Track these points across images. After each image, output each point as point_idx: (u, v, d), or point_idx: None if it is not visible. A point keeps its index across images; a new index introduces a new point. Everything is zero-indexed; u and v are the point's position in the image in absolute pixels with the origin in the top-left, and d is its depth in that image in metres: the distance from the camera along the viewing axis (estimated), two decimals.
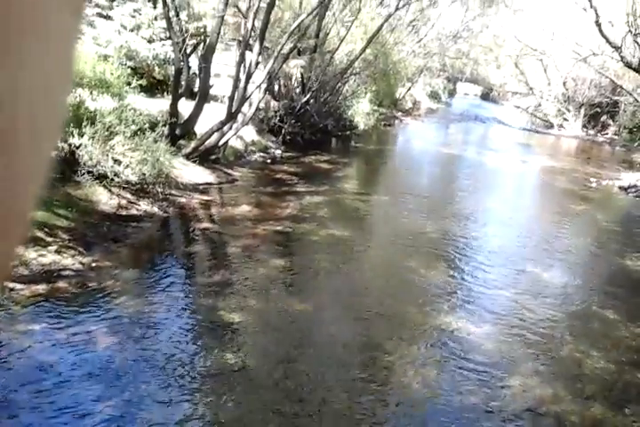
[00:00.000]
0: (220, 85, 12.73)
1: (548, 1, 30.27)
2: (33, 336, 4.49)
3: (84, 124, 7.37)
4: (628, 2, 16.67)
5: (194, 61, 11.50)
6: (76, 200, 7.09)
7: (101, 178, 7.50)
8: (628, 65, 17.96)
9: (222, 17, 10.22)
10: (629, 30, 17.13)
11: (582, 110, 28.87)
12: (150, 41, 13.35)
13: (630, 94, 22.24)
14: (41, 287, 5.22)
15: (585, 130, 28.66)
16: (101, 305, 5.17)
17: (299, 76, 15.38)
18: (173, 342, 4.76)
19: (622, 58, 17.88)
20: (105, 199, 7.52)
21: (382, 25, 17.84)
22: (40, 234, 5.96)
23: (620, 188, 14.61)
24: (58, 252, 5.87)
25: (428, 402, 4.41)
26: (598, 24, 17.40)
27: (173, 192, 8.74)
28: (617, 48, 17.71)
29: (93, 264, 5.91)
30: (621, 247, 9.30)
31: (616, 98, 26.32)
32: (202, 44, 12.25)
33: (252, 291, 5.93)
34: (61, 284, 5.38)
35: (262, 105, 13.68)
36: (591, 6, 17.32)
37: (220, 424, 3.94)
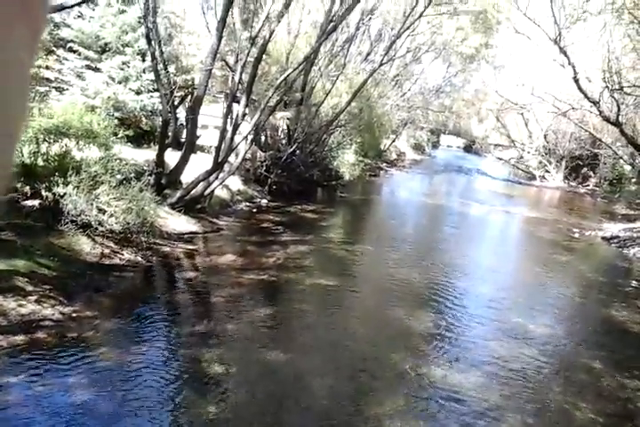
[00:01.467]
0: (207, 136, 12.89)
1: (527, 57, 31.26)
2: (8, 389, 4.37)
3: (69, 173, 7.39)
4: (604, 59, 17.27)
5: (181, 113, 11.67)
6: (59, 249, 7.03)
7: (85, 227, 7.46)
8: (607, 119, 18.45)
9: (210, 70, 10.43)
10: (606, 86, 17.67)
11: (563, 162, 29.45)
12: (138, 93, 13.58)
13: (610, 147, 22.77)
14: (19, 338, 5.10)
15: (566, 181, 29.16)
16: (80, 356, 5.05)
17: (285, 127, 15.63)
18: (152, 393, 4.64)
19: (600, 112, 18.38)
20: (88, 248, 7.46)
21: (367, 79, 18.30)
22: (20, 283, 5.87)
23: (603, 238, 14.75)
24: (38, 301, 5.77)
25: None
26: (576, 80, 17.95)
27: (158, 241, 8.69)
28: (595, 103, 18.22)
29: (74, 314, 5.80)
30: (606, 297, 9.32)
31: (596, 150, 26.92)
32: (189, 96, 12.46)
33: (234, 342, 5.83)
34: (40, 334, 5.27)
35: (249, 155, 13.84)
36: (569, 63, 17.90)
37: None
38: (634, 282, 10.68)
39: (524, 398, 5.39)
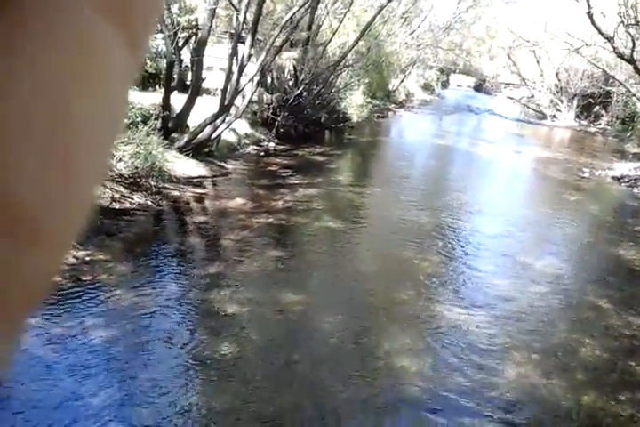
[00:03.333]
0: (213, 78, 12.70)
1: None
2: (27, 332, 4.49)
3: None
4: None
5: (186, 54, 11.46)
6: None
7: None
8: (621, 56, 17.99)
9: (214, 10, 10.18)
10: (621, 21, 17.14)
11: (575, 101, 28.93)
12: None
13: (623, 85, 22.29)
14: None
15: (578, 120, 28.73)
16: (96, 298, 5.18)
17: (291, 68, 15.34)
18: (167, 333, 4.77)
19: (614, 49, 17.90)
20: (98, 193, 7.50)
21: (375, 17, 17.81)
22: None
23: (613, 178, 14.66)
24: None
25: (421, 387, 4.43)
26: (590, 15, 17.38)
27: (167, 185, 8.72)
28: (609, 39, 17.71)
29: (87, 258, 5.90)
30: (614, 237, 9.35)
31: (608, 88, 26.37)
32: (194, 37, 12.21)
33: (245, 283, 5.93)
34: (55, 278, 5.37)
35: (255, 98, 13.66)
36: None
37: (212, 411, 3.96)
38: None
39: (531, 336, 5.51)
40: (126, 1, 0.20)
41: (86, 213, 0.19)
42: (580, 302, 6.49)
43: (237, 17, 11.07)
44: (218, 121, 10.71)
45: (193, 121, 10.71)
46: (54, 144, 0.16)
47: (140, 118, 8.44)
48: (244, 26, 11.13)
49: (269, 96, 14.69)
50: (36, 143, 0.16)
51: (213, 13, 10.26)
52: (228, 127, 11.37)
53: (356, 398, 4.24)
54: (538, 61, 30.91)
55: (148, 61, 13.36)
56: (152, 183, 8.32)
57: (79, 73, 0.18)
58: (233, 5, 11.51)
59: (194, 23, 13.15)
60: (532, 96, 32.60)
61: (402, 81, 29.13)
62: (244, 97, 11.97)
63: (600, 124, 28.05)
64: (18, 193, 0.15)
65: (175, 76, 10.49)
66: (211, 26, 10.51)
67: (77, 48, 0.18)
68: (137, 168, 7.88)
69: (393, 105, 26.78)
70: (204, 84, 11.24)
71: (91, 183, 0.19)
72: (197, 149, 10.44)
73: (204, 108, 10.81)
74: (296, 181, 10.42)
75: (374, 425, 4.04)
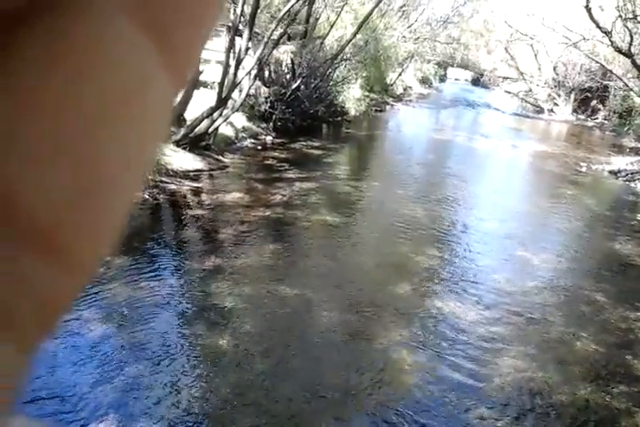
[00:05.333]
0: (210, 72, 12.66)
1: None
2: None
3: None
4: None
5: None
6: None
7: None
8: (618, 50, 17.98)
9: None
10: (619, 15, 17.12)
11: (572, 95, 28.92)
12: None
13: (620, 79, 22.27)
14: None
15: (575, 115, 28.73)
16: (94, 292, 5.17)
17: (289, 62, 15.30)
18: (164, 326, 4.78)
19: (612, 42, 17.89)
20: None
21: (372, 10, 17.75)
22: None
23: (610, 172, 14.68)
24: None
25: (417, 379, 4.45)
26: (588, 9, 17.36)
27: (164, 179, 8.71)
28: (607, 33, 17.70)
29: None
30: (611, 231, 9.37)
31: (606, 82, 26.36)
32: None
33: (243, 276, 5.94)
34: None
35: (252, 91, 13.62)
36: None
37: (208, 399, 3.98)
38: (639, 216, 10.71)
39: (527, 330, 5.53)
40: (171, 14, 0.18)
41: (117, 234, 0.19)
42: (576, 296, 6.51)
43: (235, 10, 11.02)
44: (215, 114, 10.69)
45: (190, 114, 10.68)
46: (85, 164, 0.16)
47: None
48: (242, 19, 11.09)
49: (267, 90, 14.66)
50: (65, 161, 0.15)
51: None
52: (225, 121, 11.35)
53: (350, 388, 4.26)
54: (535, 55, 30.90)
55: None
56: (149, 177, 8.31)
57: (116, 93, 0.17)
58: None
59: None
60: (530, 90, 32.58)
61: (399, 75, 29.07)
62: (241, 91, 11.93)
63: (597, 118, 28.05)
64: (39, 209, 0.15)
65: None
66: None
67: (115, 65, 0.17)
68: None
69: (391, 99, 26.72)
70: (201, 78, 11.20)
71: (123, 203, 0.18)
72: (194, 143, 10.42)
73: (202, 101, 10.77)
74: (293, 175, 10.42)
75: (371, 413, 4.06)
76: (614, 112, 26.59)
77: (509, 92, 35.65)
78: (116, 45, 0.16)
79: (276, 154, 12.21)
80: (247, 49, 11.02)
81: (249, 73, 11.71)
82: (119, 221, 0.19)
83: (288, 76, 15.32)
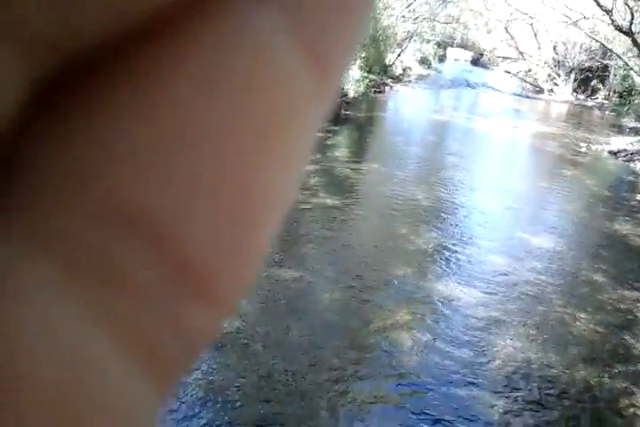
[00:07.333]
0: None
1: None
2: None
3: None
4: None
5: None
6: None
7: None
8: (619, 28, 17.83)
9: None
10: None
11: (572, 75, 28.74)
12: None
13: (620, 58, 22.13)
14: None
15: (575, 95, 28.57)
16: None
17: None
18: None
19: (613, 21, 17.74)
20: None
21: None
22: None
23: (610, 152, 14.64)
24: None
25: (418, 358, 4.50)
26: None
27: None
28: (607, 11, 17.55)
29: None
30: (610, 211, 9.39)
31: (606, 62, 26.20)
32: None
33: None
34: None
35: None
36: None
37: None
38: (639, 196, 10.72)
39: (526, 311, 5.57)
40: (324, 31, 0.16)
41: (258, 267, 0.17)
42: (575, 277, 6.55)
43: None
44: None
45: None
46: (246, 196, 0.15)
47: None
48: None
49: None
50: (225, 195, 0.14)
51: None
52: None
53: (349, 365, 4.31)
54: (535, 35, 30.63)
55: None
56: None
57: (279, 114, 0.15)
58: None
59: None
60: (530, 70, 32.36)
61: (398, 55, 28.85)
62: None
63: (597, 98, 27.91)
64: (187, 241, 0.14)
65: None
66: None
67: (277, 86, 0.15)
68: None
69: (390, 80, 26.54)
70: None
71: (267, 232, 0.17)
72: None
73: None
74: None
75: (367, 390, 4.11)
76: (614, 92, 26.47)
77: (509, 72, 35.41)
78: (277, 66, 0.15)
79: None
80: None
81: None
82: (264, 250, 0.17)
83: None
